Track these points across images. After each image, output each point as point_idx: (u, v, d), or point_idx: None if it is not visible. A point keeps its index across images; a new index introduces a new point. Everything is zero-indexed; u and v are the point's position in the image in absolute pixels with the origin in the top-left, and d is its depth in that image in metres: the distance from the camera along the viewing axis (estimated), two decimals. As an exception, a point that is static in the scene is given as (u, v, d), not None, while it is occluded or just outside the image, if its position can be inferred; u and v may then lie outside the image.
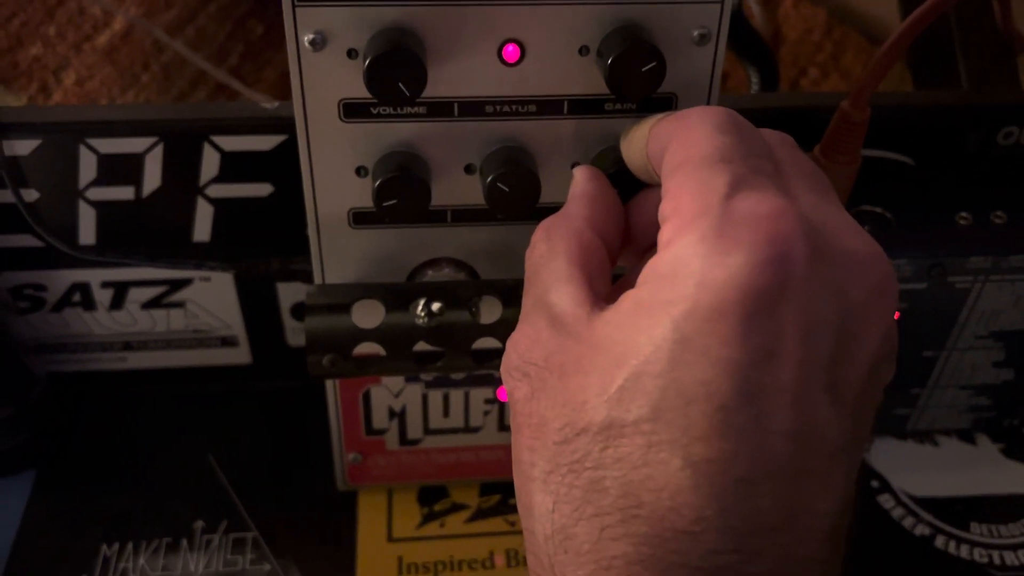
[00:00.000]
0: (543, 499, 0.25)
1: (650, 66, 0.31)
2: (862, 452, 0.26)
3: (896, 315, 0.43)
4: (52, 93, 0.74)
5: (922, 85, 0.56)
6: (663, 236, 0.25)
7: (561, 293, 0.27)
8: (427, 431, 0.45)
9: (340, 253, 0.37)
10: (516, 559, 0.45)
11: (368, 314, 0.37)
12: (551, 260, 0.28)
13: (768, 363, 0.23)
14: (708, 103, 0.34)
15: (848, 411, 0.24)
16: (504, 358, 0.28)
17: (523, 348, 0.27)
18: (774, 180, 0.25)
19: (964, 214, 0.44)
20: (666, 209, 0.25)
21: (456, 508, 0.47)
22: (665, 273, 0.24)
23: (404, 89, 0.31)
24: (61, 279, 0.46)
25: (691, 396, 0.23)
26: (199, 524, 0.45)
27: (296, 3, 0.31)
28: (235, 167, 0.42)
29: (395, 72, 0.30)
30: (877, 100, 0.39)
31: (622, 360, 0.24)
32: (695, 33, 0.32)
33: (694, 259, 0.23)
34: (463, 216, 0.37)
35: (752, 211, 0.23)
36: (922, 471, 0.49)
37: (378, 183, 0.33)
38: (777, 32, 0.81)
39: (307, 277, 0.38)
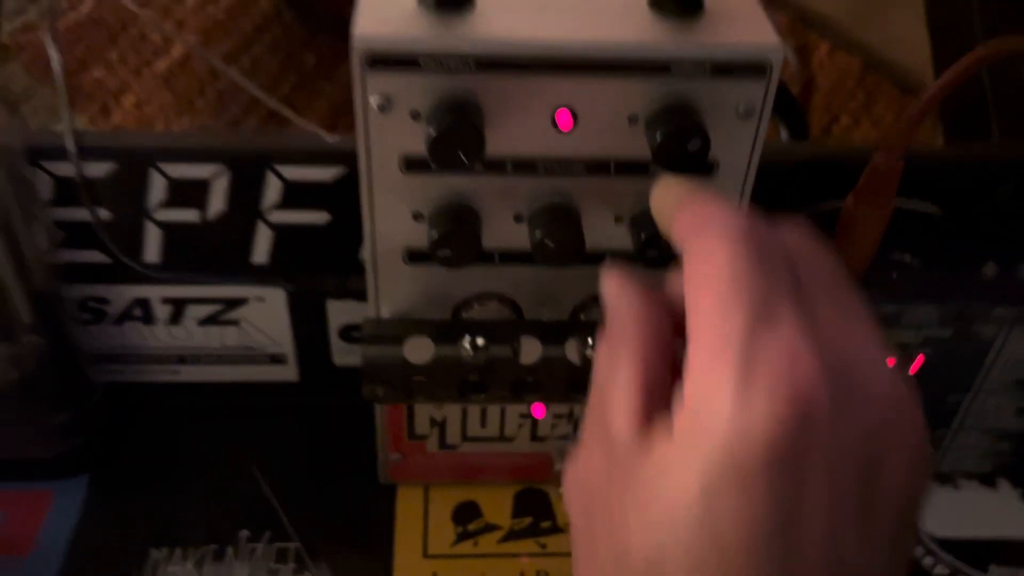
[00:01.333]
0: None
1: (696, 147, 0.33)
2: (905, 572, 0.27)
3: (921, 358, 0.45)
4: (111, 114, 0.77)
5: (953, 137, 0.57)
6: (689, 362, 0.25)
7: (618, 414, 0.27)
8: (465, 438, 0.47)
9: (395, 286, 0.40)
10: (546, 580, 0.47)
11: (419, 349, 0.39)
12: (613, 376, 0.28)
13: (796, 511, 0.23)
14: (748, 171, 0.36)
15: (882, 548, 0.25)
16: (565, 475, 0.30)
17: (580, 467, 0.29)
18: (794, 304, 0.25)
19: (990, 265, 0.45)
20: (691, 326, 0.26)
21: (489, 528, 0.49)
22: (693, 412, 0.25)
23: (463, 158, 0.33)
24: (124, 294, 0.48)
25: (724, 544, 0.23)
26: (244, 533, 0.47)
27: (366, 70, 0.33)
28: (296, 195, 0.44)
29: (456, 145, 0.33)
30: (909, 152, 0.40)
31: (656, 501, 0.25)
32: (740, 108, 0.34)
33: (718, 406, 0.24)
34: (510, 258, 0.39)
35: (773, 359, 0.24)
36: (943, 512, 0.50)
37: (434, 236, 0.36)
38: (811, 80, 0.83)
39: (360, 295, 0.41)
